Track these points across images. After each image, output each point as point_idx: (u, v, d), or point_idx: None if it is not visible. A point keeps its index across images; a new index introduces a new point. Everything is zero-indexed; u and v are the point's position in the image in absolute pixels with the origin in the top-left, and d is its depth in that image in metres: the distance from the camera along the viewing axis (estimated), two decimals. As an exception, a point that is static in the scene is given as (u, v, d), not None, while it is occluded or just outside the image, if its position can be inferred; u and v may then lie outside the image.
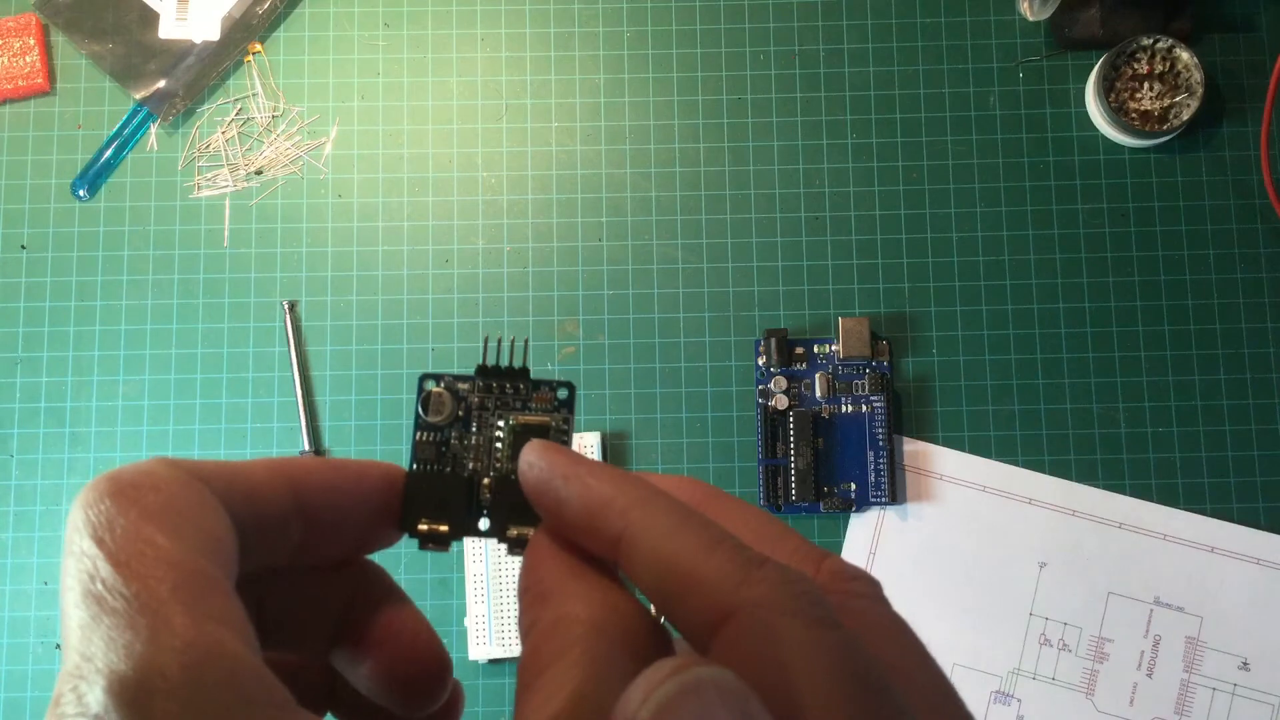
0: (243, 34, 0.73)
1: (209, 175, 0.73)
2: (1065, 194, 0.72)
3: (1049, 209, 0.71)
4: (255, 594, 0.22)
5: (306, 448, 0.70)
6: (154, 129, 0.73)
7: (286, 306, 0.71)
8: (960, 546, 0.68)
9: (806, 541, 0.23)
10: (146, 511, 0.19)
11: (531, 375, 0.26)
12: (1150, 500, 0.69)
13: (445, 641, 0.68)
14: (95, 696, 0.17)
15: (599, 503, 0.21)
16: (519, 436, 0.26)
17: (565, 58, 0.74)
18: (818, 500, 0.69)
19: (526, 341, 0.27)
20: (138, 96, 0.72)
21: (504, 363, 0.26)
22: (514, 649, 0.67)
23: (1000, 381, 0.70)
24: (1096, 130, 0.72)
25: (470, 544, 0.68)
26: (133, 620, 0.17)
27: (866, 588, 0.22)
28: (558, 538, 0.23)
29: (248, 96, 0.73)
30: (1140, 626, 0.67)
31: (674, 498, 0.21)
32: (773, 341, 0.69)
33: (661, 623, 0.22)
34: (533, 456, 0.23)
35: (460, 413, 0.26)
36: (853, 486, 0.69)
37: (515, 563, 0.66)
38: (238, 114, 0.73)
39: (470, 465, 0.26)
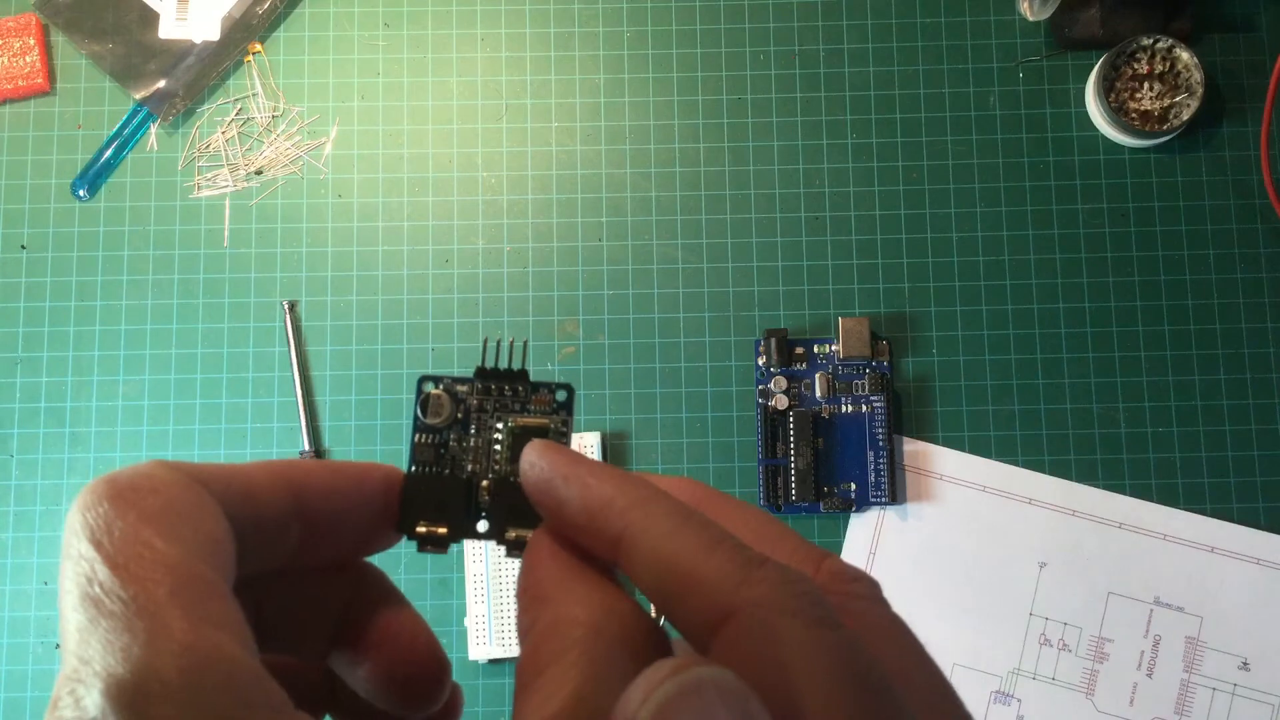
0: (243, 34, 0.73)
1: (209, 175, 0.73)
2: (1065, 194, 0.72)
3: (1049, 209, 0.71)
4: (253, 596, 0.22)
5: (306, 448, 0.70)
6: (154, 129, 0.73)
7: (286, 306, 0.71)
8: (960, 546, 0.68)
9: (806, 542, 0.23)
10: (144, 514, 0.19)
11: (530, 377, 0.26)
12: (1150, 500, 0.69)
13: (445, 641, 0.68)
14: (93, 700, 0.17)
15: (599, 503, 0.21)
16: (518, 439, 0.26)
17: (565, 58, 0.74)
18: (818, 500, 0.69)
19: (525, 343, 0.27)
20: (138, 96, 0.72)
21: (503, 365, 0.26)
22: (514, 649, 0.67)
23: (1000, 381, 0.70)
24: (1096, 130, 0.72)
25: (470, 544, 0.68)
26: (130, 623, 0.17)
27: (866, 589, 0.22)
28: (557, 538, 0.23)
29: (248, 96, 0.73)
30: (1140, 626, 0.67)
31: (674, 498, 0.21)
32: (773, 341, 0.69)
33: (661, 625, 0.22)
34: (534, 456, 0.23)
35: (459, 415, 0.26)
36: (853, 486, 0.69)
37: (515, 563, 0.66)
38: (238, 114, 0.73)
39: (469, 467, 0.26)
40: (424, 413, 0.26)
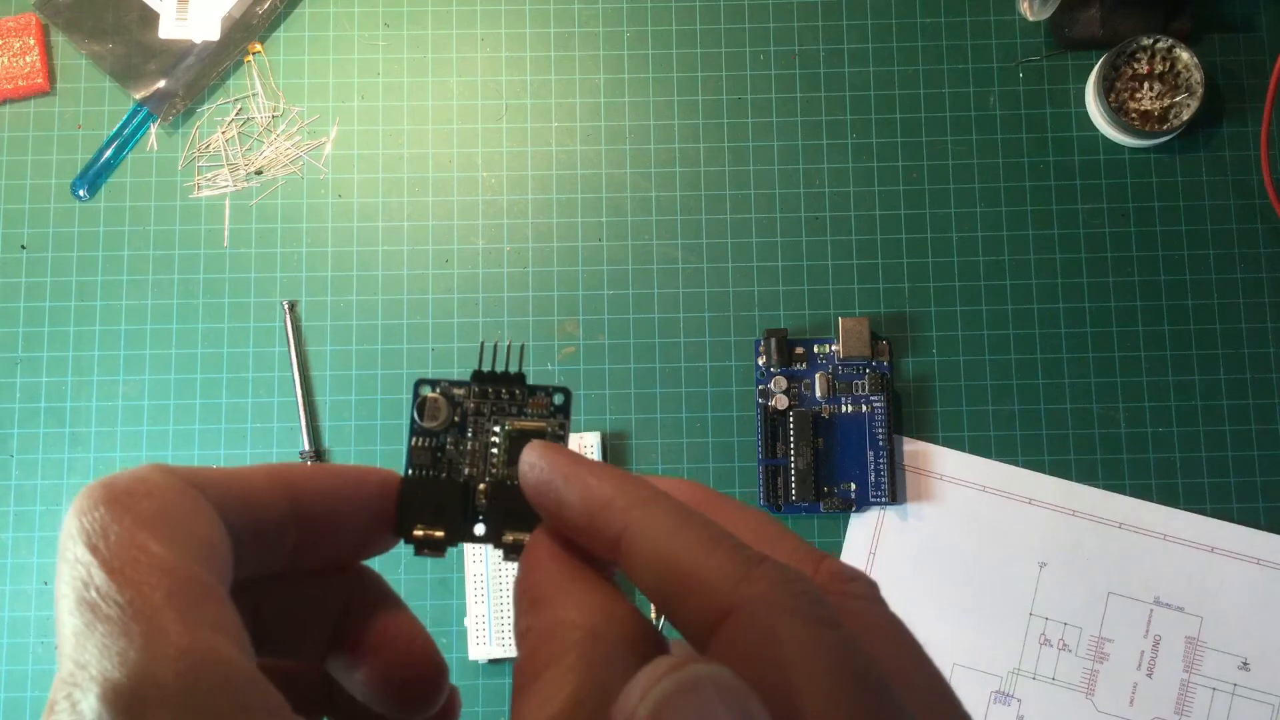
0: (243, 34, 0.73)
1: (209, 175, 0.73)
2: (1065, 194, 0.72)
3: (1049, 209, 0.71)
4: (251, 600, 0.22)
5: (306, 448, 0.70)
6: (154, 129, 0.73)
7: (286, 306, 0.71)
8: (960, 546, 0.68)
9: (805, 543, 0.23)
10: (140, 518, 0.19)
11: (527, 380, 0.26)
12: (1150, 500, 0.69)
13: (445, 642, 0.68)
14: (89, 704, 0.17)
15: (599, 503, 0.21)
16: (515, 442, 0.26)
17: (565, 58, 0.74)
18: (818, 500, 0.69)
19: (523, 347, 0.27)
20: (138, 96, 0.72)
21: (500, 368, 0.26)
22: (513, 649, 0.67)
23: (1000, 381, 0.70)
24: (1096, 130, 0.72)
25: (470, 545, 0.68)
26: (127, 627, 0.17)
27: (864, 588, 0.22)
28: (556, 539, 0.23)
29: (248, 96, 0.73)
30: (1140, 626, 0.67)
31: (674, 498, 0.21)
32: (773, 341, 0.69)
33: (659, 628, 0.22)
34: (534, 457, 0.23)
35: (456, 418, 0.26)
36: (853, 486, 0.69)
37: (515, 563, 0.66)
38: (238, 114, 0.73)
39: (466, 471, 0.26)
40: (420, 416, 0.26)
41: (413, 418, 0.26)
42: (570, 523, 0.22)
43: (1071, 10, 0.72)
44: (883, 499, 0.68)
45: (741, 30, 0.73)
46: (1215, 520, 0.68)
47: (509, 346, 0.26)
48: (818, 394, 0.69)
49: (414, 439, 0.26)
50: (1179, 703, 0.67)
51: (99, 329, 0.71)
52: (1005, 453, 0.69)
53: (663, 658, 0.18)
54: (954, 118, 0.72)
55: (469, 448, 0.26)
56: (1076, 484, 0.69)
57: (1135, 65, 0.70)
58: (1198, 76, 0.69)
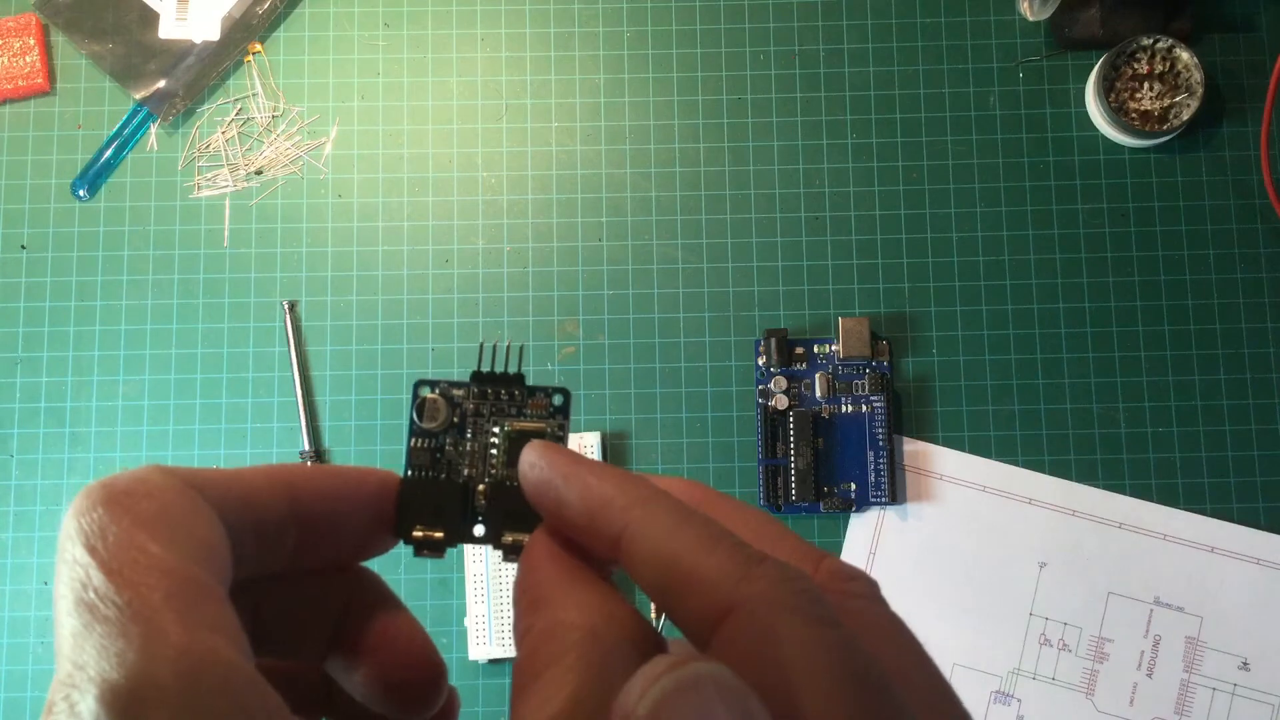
0: (243, 34, 0.73)
1: (209, 175, 0.73)
2: (1065, 194, 0.72)
3: (1049, 209, 0.71)
4: (251, 600, 0.22)
5: (306, 448, 0.70)
6: (154, 129, 0.73)
7: (286, 306, 0.71)
8: (960, 546, 0.68)
9: (805, 542, 0.23)
10: (139, 519, 0.19)
11: (526, 381, 0.26)
12: (1150, 500, 0.69)
13: (445, 641, 0.68)
14: (87, 705, 0.17)
15: (600, 502, 0.21)
16: (514, 443, 0.26)
17: (565, 58, 0.74)
18: (818, 500, 0.69)
19: (522, 347, 0.27)
20: (138, 96, 0.72)
21: (499, 368, 0.26)
22: (514, 649, 0.67)
23: (1000, 381, 0.70)
24: (1096, 130, 0.72)
25: (470, 545, 0.68)
26: (125, 628, 0.17)
27: (864, 588, 0.22)
28: (556, 538, 0.23)
29: (248, 96, 0.73)
30: (1140, 626, 0.67)
31: (675, 497, 0.21)
32: (773, 341, 0.69)
33: (657, 629, 0.22)
34: (534, 457, 0.23)
35: (455, 419, 0.26)
36: (853, 486, 0.69)
37: (514, 564, 0.66)
38: (238, 114, 0.73)
39: (465, 471, 0.26)
40: (420, 417, 0.26)
41: (412, 419, 0.26)
42: (570, 522, 0.22)
43: (1071, 10, 0.72)
44: (883, 499, 0.68)
45: (741, 30, 0.73)
46: (1215, 520, 0.68)
47: (508, 347, 0.26)
48: (818, 394, 0.69)
49: (413, 440, 0.26)
50: (1179, 703, 0.67)
51: (99, 329, 0.71)
52: (1005, 453, 0.69)
53: (662, 656, 0.18)
54: (954, 118, 0.72)
55: (468, 448, 0.26)
56: (1076, 484, 0.69)
57: (1135, 65, 0.70)
58: (1198, 76, 0.69)
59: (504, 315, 0.71)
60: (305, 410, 0.70)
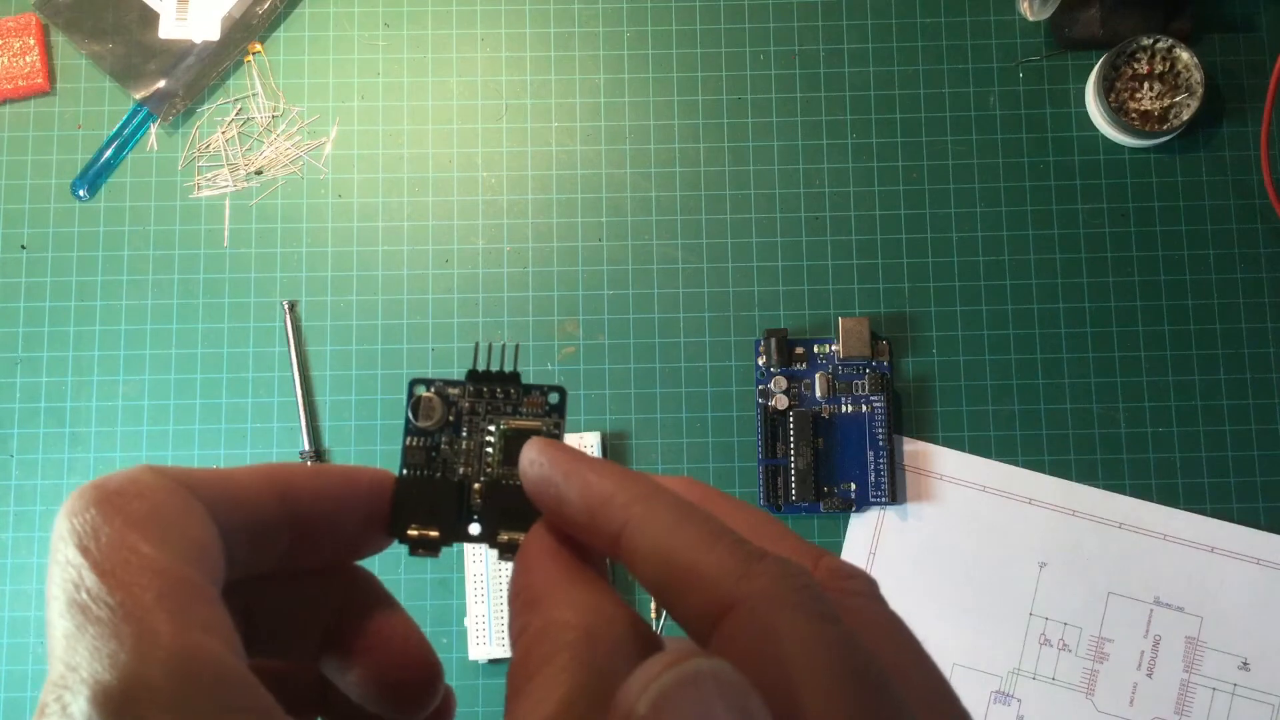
0: (243, 34, 0.73)
1: (209, 175, 0.73)
2: (1065, 194, 0.71)
3: (1049, 209, 0.71)
4: (244, 600, 0.22)
5: (306, 448, 0.70)
6: (154, 129, 0.73)
7: (286, 306, 0.71)
8: (960, 546, 0.68)
9: (804, 541, 0.23)
10: (131, 520, 0.19)
11: (523, 380, 0.26)
12: (1150, 500, 0.69)
13: (445, 641, 0.68)
14: (80, 707, 0.17)
15: (600, 499, 0.21)
16: (510, 441, 0.26)
17: (565, 58, 0.74)
18: (818, 500, 0.69)
19: (518, 346, 0.27)
20: (138, 96, 0.72)
21: (495, 367, 0.26)
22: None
23: (1000, 381, 0.70)
24: (1096, 130, 0.72)
25: (469, 545, 0.68)
26: (117, 629, 0.17)
27: (863, 586, 0.22)
28: (555, 538, 0.23)
29: (248, 96, 0.73)
30: (1140, 626, 0.67)
31: (675, 493, 0.21)
32: (773, 341, 0.69)
33: (655, 629, 0.22)
34: (534, 454, 0.23)
35: (450, 418, 0.26)
36: (853, 486, 0.69)
37: (511, 563, 0.66)
38: (238, 114, 0.73)
39: (461, 470, 0.26)
40: (415, 416, 0.26)
41: (407, 417, 0.26)
42: (570, 519, 0.22)
43: (1071, 10, 0.72)
44: (883, 499, 0.68)
45: (741, 30, 0.73)
46: (1215, 520, 0.68)
47: (504, 346, 0.26)
48: (818, 394, 0.69)
49: (408, 438, 0.26)
50: (1179, 703, 0.67)
51: (99, 329, 0.71)
52: (1005, 453, 0.69)
53: (662, 653, 0.18)
54: (954, 118, 0.72)
55: (464, 447, 0.26)
56: (1076, 484, 0.69)
57: (1135, 65, 0.70)
58: (1198, 76, 0.69)
59: (504, 315, 0.71)
60: (305, 410, 0.70)
